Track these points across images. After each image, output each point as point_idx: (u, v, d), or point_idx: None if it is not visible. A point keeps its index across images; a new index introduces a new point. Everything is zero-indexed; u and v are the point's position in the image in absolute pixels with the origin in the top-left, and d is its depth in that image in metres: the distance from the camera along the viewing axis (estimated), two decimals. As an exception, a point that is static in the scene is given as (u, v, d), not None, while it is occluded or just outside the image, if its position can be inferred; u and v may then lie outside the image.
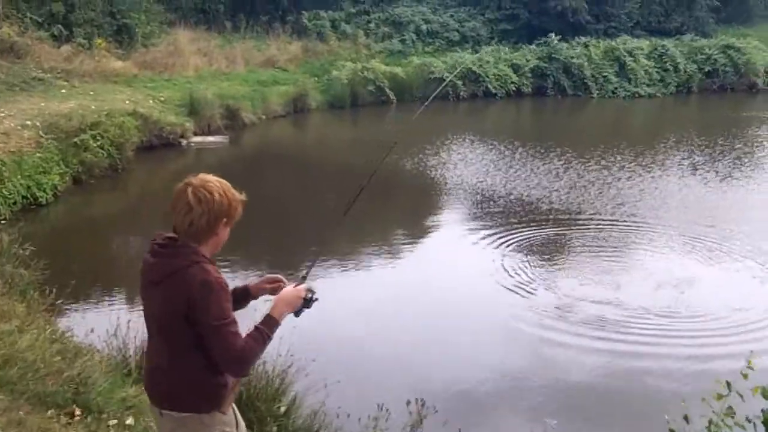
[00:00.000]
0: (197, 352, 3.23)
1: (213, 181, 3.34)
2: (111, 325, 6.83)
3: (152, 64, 23.18)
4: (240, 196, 3.41)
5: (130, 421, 5.23)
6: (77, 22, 22.11)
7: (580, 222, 13.63)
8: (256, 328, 3.34)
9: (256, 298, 3.73)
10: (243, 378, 3.55)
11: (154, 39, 24.78)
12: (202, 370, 3.26)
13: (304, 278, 3.71)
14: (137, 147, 17.33)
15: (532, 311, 9.51)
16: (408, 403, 5.48)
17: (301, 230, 12.73)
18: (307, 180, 17.24)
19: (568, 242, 12.70)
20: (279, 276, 3.72)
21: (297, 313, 3.56)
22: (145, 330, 3.48)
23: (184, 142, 18.96)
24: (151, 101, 19.93)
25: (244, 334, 3.27)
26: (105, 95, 19.26)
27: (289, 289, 3.55)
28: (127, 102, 18.93)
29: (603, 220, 13.69)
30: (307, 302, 3.55)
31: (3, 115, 15.88)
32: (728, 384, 3.67)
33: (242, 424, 3.60)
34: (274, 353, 6.26)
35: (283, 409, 5.84)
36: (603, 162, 18.25)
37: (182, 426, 3.32)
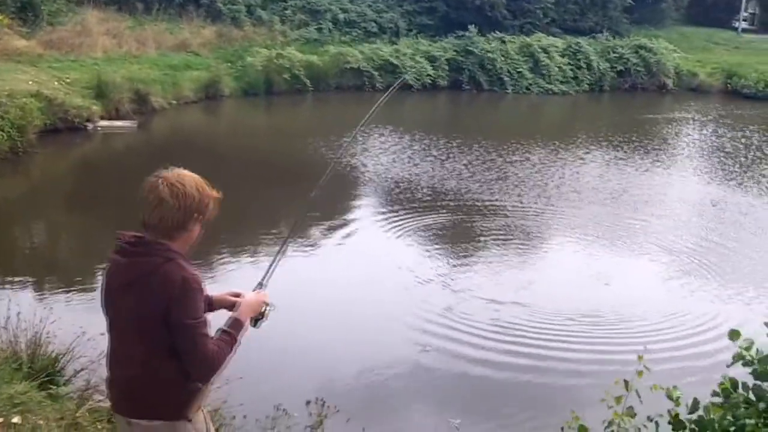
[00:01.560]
0: (172, 356, 3.10)
1: (187, 175, 3.23)
2: (1, 317, 6.53)
3: (58, 44, 22.32)
4: (215, 194, 3.29)
5: (16, 419, 4.99)
6: (-23, -3, 21.11)
7: (494, 211, 13.85)
8: (224, 331, 3.25)
9: (213, 310, 3.53)
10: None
11: (61, 18, 23.87)
12: (178, 375, 3.13)
13: (260, 284, 3.66)
14: (41, 130, 16.67)
15: (440, 307, 9.52)
16: (308, 403, 5.39)
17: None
18: (216, 169, 16.80)
19: (481, 232, 12.86)
20: (240, 291, 3.63)
21: (256, 323, 3.50)
22: (106, 331, 3.32)
23: (90, 125, 18.34)
24: (56, 83, 19.20)
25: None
26: (6, 75, 18.45)
27: (253, 295, 3.51)
28: (30, 83, 18.20)
29: (516, 210, 13.95)
30: (263, 314, 3.51)
31: None
32: (626, 383, 3.70)
33: (212, 429, 3.47)
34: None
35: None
36: (517, 155, 18.63)
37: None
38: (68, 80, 19.72)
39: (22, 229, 12.55)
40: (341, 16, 31.28)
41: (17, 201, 13.84)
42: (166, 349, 3.09)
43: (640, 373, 3.74)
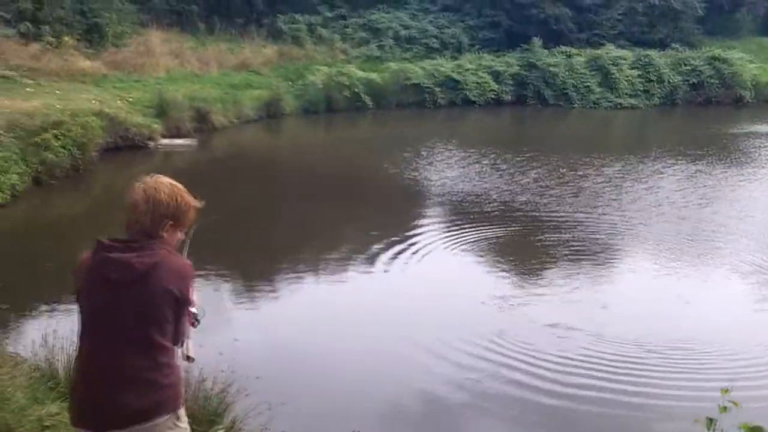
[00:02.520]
0: (171, 345, 3.21)
1: (164, 182, 3.26)
2: (45, 333, 6.34)
3: (122, 64, 22.65)
4: (194, 202, 3.32)
5: (45, 443, 4.73)
6: (46, 19, 21.57)
7: (565, 227, 13.21)
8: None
9: None
10: None
11: (125, 39, 24.27)
12: (176, 364, 3.26)
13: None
14: (102, 148, 16.81)
15: (503, 331, 8.70)
16: None
17: (262, 237, 12.25)
18: (275, 186, 16.76)
19: (551, 248, 12.22)
20: None
21: (192, 324, 3.57)
22: (87, 332, 3.25)
23: (151, 143, 18.43)
24: (118, 101, 19.39)
25: None
26: (71, 94, 18.70)
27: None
28: (93, 102, 18.37)
29: (589, 226, 13.31)
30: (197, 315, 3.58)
31: (-37, 112, 15.34)
32: (709, 421, 3.27)
33: None
34: (213, 369, 5.80)
35: (220, 432, 5.34)
36: (588, 169, 18.02)
37: None
38: (130, 99, 19.92)
39: (77, 245, 12.48)
40: (402, 32, 31.15)
41: (77, 217, 13.85)
42: (170, 333, 3.19)
43: (723, 408, 3.29)
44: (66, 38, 21.60)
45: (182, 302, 3.19)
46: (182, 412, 3.31)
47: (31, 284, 9.03)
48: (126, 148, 17.79)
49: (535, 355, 8.03)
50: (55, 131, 15.11)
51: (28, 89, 18.36)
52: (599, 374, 7.67)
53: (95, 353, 3.16)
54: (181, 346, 3.35)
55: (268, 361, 7.21)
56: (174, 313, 3.16)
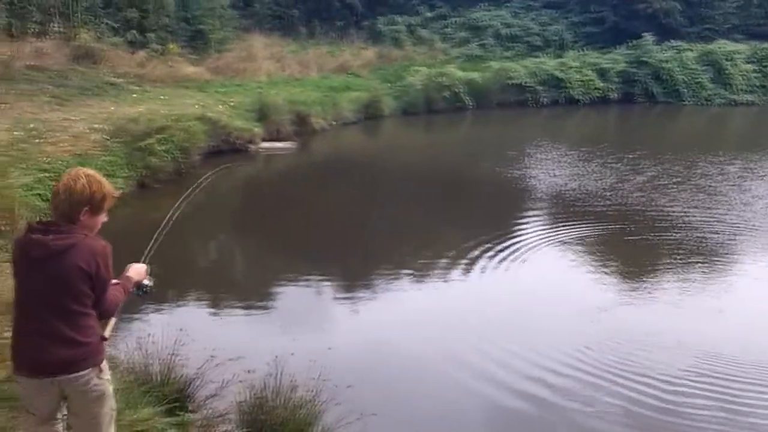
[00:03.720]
0: (91, 311, 3.70)
1: (83, 172, 3.69)
2: (141, 337, 6.33)
3: (225, 69, 23.06)
4: (109, 191, 3.73)
5: (133, 449, 4.65)
6: (151, 27, 22.18)
7: (681, 228, 12.56)
8: (120, 283, 3.98)
9: None
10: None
11: (227, 44, 24.72)
12: (96, 326, 3.76)
13: (144, 261, 4.35)
14: (205, 152, 17.04)
15: (614, 343, 8.18)
16: None
17: (360, 240, 12.08)
18: (374, 188, 16.63)
19: (664, 254, 11.60)
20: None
21: (140, 291, 4.27)
22: (18, 299, 3.75)
23: (252, 147, 18.60)
24: (221, 106, 19.67)
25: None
26: (176, 100, 19.12)
27: (137, 264, 4.28)
28: (196, 107, 18.70)
29: (709, 227, 12.60)
30: (144, 287, 4.27)
31: (74, 118, 15.85)
32: None
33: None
34: (304, 377, 5.63)
35: (310, 441, 5.15)
36: (704, 168, 17.27)
37: (84, 384, 3.72)
38: (232, 104, 20.18)
39: (177, 249, 12.61)
40: (504, 31, 30.64)
41: (178, 220, 14.04)
42: (87, 305, 3.67)
43: None
44: (171, 45, 22.17)
45: (96, 277, 3.62)
46: (105, 366, 3.83)
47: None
48: (228, 151, 17.98)
49: (637, 374, 7.42)
50: (159, 136, 15.38)
51: (134, 95, 18.89)
52: (713, 402, 6.92)
53: (26, 316, 3.69)
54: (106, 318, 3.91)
55: (360, 369, 6.99)
56: (90, 287, 3.63)
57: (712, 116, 27.37)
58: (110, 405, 3.93)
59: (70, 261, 3.57)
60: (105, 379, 3.85)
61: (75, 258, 3.57)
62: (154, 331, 6.39)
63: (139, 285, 4.23)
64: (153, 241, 4.75)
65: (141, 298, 4.39)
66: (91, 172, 3.72)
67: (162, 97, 19.10)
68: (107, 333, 3.90)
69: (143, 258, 4.41)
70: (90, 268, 3.59)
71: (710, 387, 7.16)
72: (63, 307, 3.63)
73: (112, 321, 4.02)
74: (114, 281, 3.91)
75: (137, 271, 4.20)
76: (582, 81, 27.94)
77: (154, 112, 16.79)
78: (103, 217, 3.77)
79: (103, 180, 3.71)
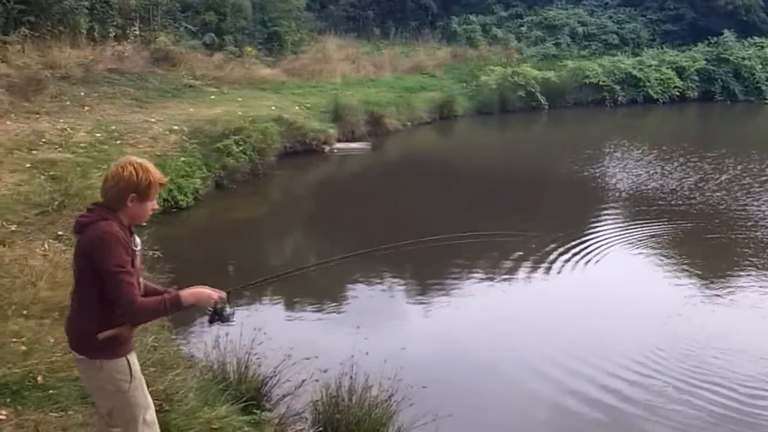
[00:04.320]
0: (96, 302, 3.64)
1: (133, 160, 3.75)
2: (218, 335, 6.42)
3: (300, 71, 23.29)
4: (159, 178, 3.76)
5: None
6: (228, 30, 22.56)
7: (763, 231, 12.17)
8: (162, 296, 3.75)
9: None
10: (135, 327, 3.88)
11: (303, 46, 24.98)
12: (96, 318, 3.66)
13: (229, 292, 3.95)
14: (281, 153, 17.23)
15: (690, 352, 7.99)
16: None
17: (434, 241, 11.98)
18: (447, 188, 16.55)
19: (747, 253, 11.25)
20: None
21: (210, 320, 3.91)
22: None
23: (326, 148, 18.72)
24: (296, 107, 19.88)
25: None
26: (252, 101, 19.40)
27: (206, 288, 3.86)
28: (272, 108, 18.95)
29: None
30: (219, 314, 3.86)
31: (153, 120, 16.23)
32: None
33: (140, 375, 3.87)
34: (378, 376, 5.63)
35: (385, 441, 5.14)
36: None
37: (85, 369, 3.82)
38: (308, 105, 20.38)
39: (255, 248, 12.79)
40: (580, 29, 30.18)
41: (256, 221, 14.25)
42: (91, 292, 3.64)
43: None
44: (247, 48, 22.51)
45: (93, 265, 3.59)
46: (112, 365, 3.72)
47: (209, 284, 9.24)
48: (303, 152, 18.16)
49: (710, 381, 7.17)
50: (235, 137, 15.62)
51: (212, 97, 19.24)
52: None
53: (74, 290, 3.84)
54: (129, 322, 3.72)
55: (435, 369, 6.96)
56: (92, 272, 3.61)
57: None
58: (121, 406, 3.80)
59: (81, 241, 3.71)
60: (107, 377, 3.75)
61: (85, 238, 3.67)
62: (231, 330, 6.47)
63: (215, 312, 3.88)
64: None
65: (216, 324, 4.01)
66: (140, 160, 3.78)
67: (239, 98, 19.41)
68: (105, 334, 3.65)
69: (230, 291, 4.01)
70: (90, 252, 3.62)
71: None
72: (77, 284, 3.76)
73: (123, 328, 3.71)
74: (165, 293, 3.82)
75: (197, 295, 3.82)
76: (660, 79, 27.31)
77: (230, 114, 17.07)
78: (153, 204, 3.81)
79: (152, 168, 3.76)
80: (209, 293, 3.83)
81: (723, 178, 15.85)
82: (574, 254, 10.89)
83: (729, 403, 6.74)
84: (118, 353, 3.75)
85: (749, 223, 12.63)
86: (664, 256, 11.26)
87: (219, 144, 15.32)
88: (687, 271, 10.62)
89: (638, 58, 28.46)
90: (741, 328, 8.48)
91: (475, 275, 10.33)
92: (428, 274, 10.37)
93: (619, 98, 26.62)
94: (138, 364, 3.90)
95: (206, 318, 3.95)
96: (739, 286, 9.96)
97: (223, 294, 3.86)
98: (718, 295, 9.57)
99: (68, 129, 14.49)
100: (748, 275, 10.43)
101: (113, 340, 3.69)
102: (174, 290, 3.85)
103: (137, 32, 21.16)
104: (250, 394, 5.77)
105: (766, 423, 6.48)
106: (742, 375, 7.23)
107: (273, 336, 6.42)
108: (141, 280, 3.82)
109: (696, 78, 27.91)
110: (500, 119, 24.66)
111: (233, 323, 3.99)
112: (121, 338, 3.72)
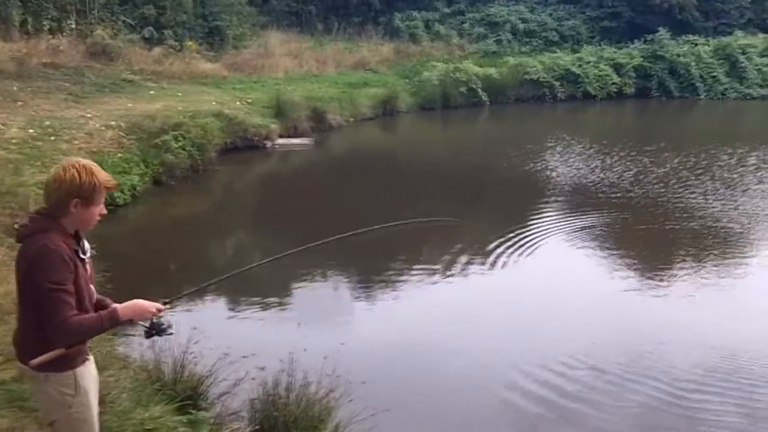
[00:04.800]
0: (34, 314, 3.43)
1: (75, 162, 3.54)
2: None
3: (242, 65, 23.09)
4: (105, 180, 3.55)
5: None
6: (168, 24, 22.23)
7: (699, 222, 12.48)
8: (98, 313, 3.53)
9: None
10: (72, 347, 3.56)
11: (245, 41, 24.76)
12: (36, 332, 3.45)
13: (166, 302, 3.80)
14: (221, 149, 17.06)
15: (630, 346, 8.15)
16: None
17: (376, 236, 11.97)
18: (391, 183, 16.58)
19: (680, 247, 11.54)
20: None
21: (147, 334, 3.77)
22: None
23: (268, 143, 18.60)
24: (238, 103, 19.70)
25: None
26: (192, 96, 19.14)
27: (143, 301, 3.68)
28: (213, 103, 18.74)
29: (729, 220, 12.51)
30: (156, 328, 3.72)
31: (89, 115, 15.91)
32: None
33: (89, 391, 3.68)
34: (317, 372, 5.60)
35: (322, 438, 5.12)
36: (721, 161, 17.26)
37: (32, 380, 3.68)
38: (250, 100, 20.20)
39: (194, 246, 12.61)
40: (521, 26, 30.51)
41: (195, 217, 14.06)
42: (30, 305, 3.45)
43: None
44: (188, 42, 22.21)
45: (32, 279, 3.39)
46: (51, 376, 3.54)
47: (148, 284, 9.14)
48: (244, 148, 18.00)
49: (646, 374, 7.30)
50: (175, 133, 15.41)
51: (151, 92, 18.94)
52: (726, 399, 6.81)
53: None
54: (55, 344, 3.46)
55: (375, 365, 6.96)
56: (31, 288, 3.40)
57: (728, 110, 27.17)
58: (64, 421, 3.64)
59: (20, 253, 3.52)
60: (51, 390, 3.59)
61: (24, 252, 3.48)
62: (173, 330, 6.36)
63: (152, 326, 3.73)
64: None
65: (153, 338, 3.85)
66: (83, 162, 3.56)
67: (178, 93, 19.15)
68: (36, 361, 3.46)
69: (164, 302, 3.81)
70: (28, 267, 3.42)
71: (724, 385, 7.07)
72: (19, 297, 3.56)
73: (55, 353, 3.47)
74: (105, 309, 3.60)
75: (135, 309, 3.63)
76: (598, 76, 27.79)
77: (170, 109, 16.84)
78: (100, 209, 3.59)
79: (97, 169, 3.54)
80: (147, 307, 3.66)
81: (661, 171, 16.21)
82: (515, 247, 11.02)
83: (665, 397, 6.86)
84: (65, 367, 3.57)
85: (686, 214, 12.97)
86: (603, 247, 11.46)
87: (158, 140, 15.08)
88: (626, 262, 10.84)
89: (577, 54, 28.90)
90: (677, 318, 8.68)
91: (415, 270, 10.36)
92: (369, 269, 10.37)
93: (559, 94, 27.00)
94: (91, 379, 3.74)
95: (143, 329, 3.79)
96: (675, 276, 10.21)
97: (161, 306, 3.71)
98: (656, 286, 9.80)
99: (0, 125, 14.11)
100: (685, 265, 10.70)
101: (57, 355, 3.50)
102: (112, 306, 3.64)
103: (73, 25, 20.70)
104: (186, 393, 5.68)
105: (702, 415, 6.61)
106: (679, 367, 7.38)
107: (210, 335, 6.33)
108: (92, 288, 3.67)
109: (633, 75, 28.46)
110: (443, 115, 24.81)
111: (172, 334, 3.80)
112: (70, 352, 3.53)
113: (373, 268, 10.35)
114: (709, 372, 7.29)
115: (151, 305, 3.68)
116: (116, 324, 3.56)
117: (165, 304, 3.77)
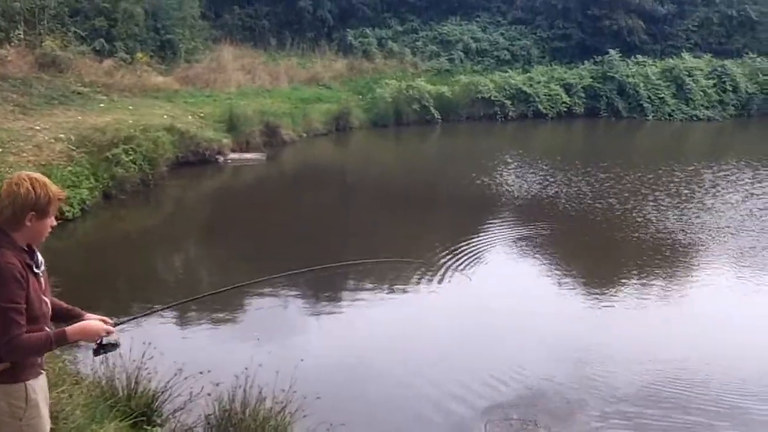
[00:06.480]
0: None
1: (28, 176, 3.53)
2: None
3: (194, 79, 22.91)
4: (57, 192, 3.57)
5: (98, 464, 4.58)
6: (120, 36, 21.96)
7: (637, 243, 12.76)
8: (47, 333, 3.54)
9: (72, 317, 3.86)
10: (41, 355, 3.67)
11: (197, 55, 24.57)
12: None
13: (117, 324, 3.86)
14: (173, 163, 16.92)
15: (565, 360, 8.40)
16: None
17: (329, 251, 12.01)
18: (343, 199, 16.64)
19: (629, 258, 11.83)
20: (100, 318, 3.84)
21: (95, 352, 3.78)
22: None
23: (221, 158, 18.51)
24: (190, 117, 19.56)
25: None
26: (144, 110, 18.94)
27: (94, 323, 3.74)
28: (165, 117, 18.57)
29: (670, 237, 12.83)
30: (104, 347, 3.72)
31: (38, 128, 15.64)
32: None
33: (41, 405, 3.63)
34: (272, 387, 5.60)
35: (278, 453, 5.11)
36: (666, 179, 17.70)
37: None
38: (202, 114, 20.07)
39: (145, 261, 12.48)
40: (473, 45, 30.83)
41: (145, 231, 13.92)
42: None
43: None
44: (139, 54, 21.99)
45: None
46: (1, 387, 3.48)
47: (98, 300, 9.01)
48: (196, 162, 17.88)
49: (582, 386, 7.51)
50: (125, 146, 15.24)
51: (101, 105, 18.69)
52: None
53: None
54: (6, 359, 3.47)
55: (329, 380, 6.98)
56: None
57: (674, 130, 27.82)
58: (11, 430, 3.58)
59: None
60: (1, 401, 3.54)
61: None
62: (120, 346, 6.29)
63: (101, 345, 3.76)
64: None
65: (101, 355, 3.88)
66: (35, 175, 3.57)
67: (129, 107, 18.91)
68: None
69: (115, 324, 3.91)
70: None
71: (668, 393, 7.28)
72: None
73: (2, 365, 3.51)
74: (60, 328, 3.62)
75: (85, 330, 3.71)
76: (549, 95, 28.22)
77: (121, 122, 16.63)
78: (51, 221, 3.60)
79: (49, 182, 3.56)
80: (96, 329, 3.71)
81: (611, 186, 16.59)
82: (464, 262, 11.20)
83: (607, 409, 7.03)
84: (16, 378, 3.53)
85: (633, 225, 13.35)
86: (551, 263, 11.68)
87: (108, 153, 14.92)
88: (573, 275, 11.09)
89: (528, 74, 29.31)
90: (619, 333, 8.91)
91: (371, 285, 10.42)
92: (324, 284, 10.38)
93: (510, 113, 27.33)
94: (43, 392, 3.71)
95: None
96: (620, 288, 10.51)
97: (110, 328, 3.75)
98: (602, 299, 10.03)
99: (-55, 136, 13.83)
100: (631, 277, 11.05)
101: (13, 364, 3.51)
102: (62, 328, 3.64)
103: (21, 36, 20.31)
104: (140, 409, 5.63)
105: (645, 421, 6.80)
106: (620, 382, 7.57)
107: (165, 350, 6.26)
108: (48, 300, 3.65)
109: (583, 95, 28.96)
110: (395, 131, 24.95)
111: (118, 347, 3.82)
112: (23, 363, 3.53)
113: (325, 284, 10.36)
114: (651, 384, 7.50)
115: (101, 328, 3.72)
116: (64, 344, 3.62)
117: (115, 325, 3.83)
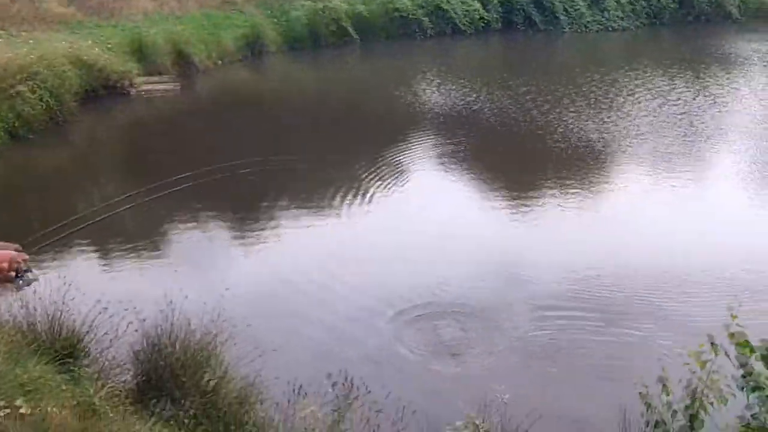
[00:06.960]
0: None
1: None
2: (25, 294, 5.97)
3: (98, 8, 21.81)
4: None
5: (23, 408, 4.40)
6: (14, -35, 20.68)
7: (557, 150, 12.94)
8: None
9: None
10: None
11: (100, -18, 23.34)
12: None
13: (19, 249, 3.43)
14: (82, 97, 16.25)
15: (496, 267, 8.57)
16: (334, 384, 4.72)
17: (250, 181, 11.78)
18: (262, 124, 16.26)
19: (543, 176, 11.99)
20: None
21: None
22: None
23: (132, 90, 17.85)
24: (96, 48, 18.66)
25: None
26: (46, 43, 17.94)
27: (4, 252, 3.34)
28: (69, 49, 17.67)
29: (589, 142, 13.05)
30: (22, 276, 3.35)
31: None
32: (714, 346, 3.10)
33: None
34: (200, 318, 5.48)
35: (212, 383, 5.02)
36: (581, 94, 17.73)
37: None
38: (109, 45, 19.19)
39: (60, 200, 12.01)
40: (387, -39, 30.08)
41: (59, 170, 13.41)
42: None
43: (731, 334, 3.14)
44: (37, -17, 20.81)
45: None
46: None
47: (9, 239, 8.61)
48: (107, 95, 17.22)
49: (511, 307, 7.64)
50: (30, 83, 14.56)
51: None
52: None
53: None
54: None
55: (258, 308, 6.93)
56: None
57: (590, 41, 28.07)
58: None
59: None
60: None
61: None
62: (37, 288, 6.04)
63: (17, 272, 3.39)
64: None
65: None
66: None
67: (30, 41, 17.89)
68: None
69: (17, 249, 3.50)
70: None
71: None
72: None
73: None
74: None
75: None
76: (466, 11, 27.95)
77: (22, 57, 15.75)
78: None
79: None
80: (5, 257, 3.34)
81: (534, 97, 16.72)
82: (385, 179, 11.18)
83: (533, 315, 7.21)
84: None
85: (555, 136, 13.52)
86: (475, 176, 11.79)
87: (11, 91, 14.21)
88: (497, 190, 11.19)
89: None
90: (540, 240, 9.11)
91: (295, 210, 10.32)
92: (248, 212, 10.22)
93: (429, 30, 27.03)
94: None
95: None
96: (543, 200, 10.65)
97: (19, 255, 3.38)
98: (522, 212, 10.18)
99: None
100: (550, 186, 11.19)
101: None
102: None
103: None
104: (66, 351, 5.44)
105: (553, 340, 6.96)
106: (542, 288, 7.76)
107: (86, 290, 6.07)
108: None
109: (500, 9, 28.79)
110: (313, 54, 24.41)
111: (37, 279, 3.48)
112: None
113: (248, 212, 10.20)
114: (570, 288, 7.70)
115: (8, 254, 3.35)
116: None
117: (18, 250, 3.42)
